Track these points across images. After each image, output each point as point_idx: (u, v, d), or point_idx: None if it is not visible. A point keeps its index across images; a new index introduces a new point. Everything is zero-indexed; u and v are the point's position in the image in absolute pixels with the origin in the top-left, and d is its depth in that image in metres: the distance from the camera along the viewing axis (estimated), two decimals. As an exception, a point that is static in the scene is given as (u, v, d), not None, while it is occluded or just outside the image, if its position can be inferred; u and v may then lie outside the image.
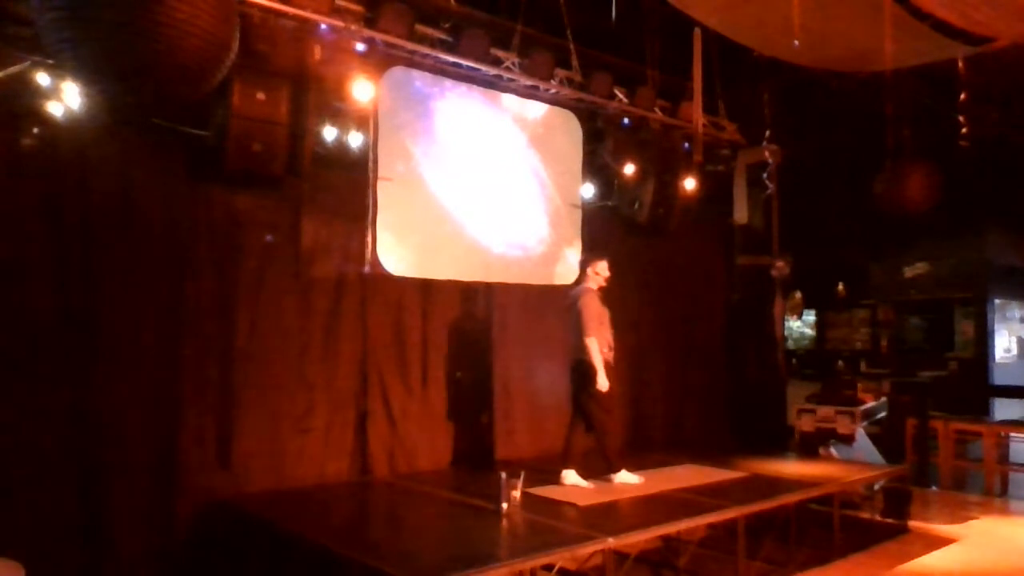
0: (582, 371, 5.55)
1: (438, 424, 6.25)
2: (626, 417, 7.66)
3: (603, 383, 5.45)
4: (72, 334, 4.49)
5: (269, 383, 5.30)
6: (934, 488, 7.83)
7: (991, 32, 5.45)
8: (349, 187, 5.69)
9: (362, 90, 5.14)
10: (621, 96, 6.95)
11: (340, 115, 5.43)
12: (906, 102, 6.83)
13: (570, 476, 5.53)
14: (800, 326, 13.35)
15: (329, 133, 5.50)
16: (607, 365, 5.53)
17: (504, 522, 4.54)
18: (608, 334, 5.66)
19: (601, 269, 5.73)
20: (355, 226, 5.73)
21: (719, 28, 5.75)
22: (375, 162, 5.74)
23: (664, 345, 8.08)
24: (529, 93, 6.56)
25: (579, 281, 5.81)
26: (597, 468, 5.68)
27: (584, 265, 5.77)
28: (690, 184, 7.37)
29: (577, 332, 5.55)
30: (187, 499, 4.84)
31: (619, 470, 5.65)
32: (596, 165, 7.28)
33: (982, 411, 9.45)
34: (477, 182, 6.36)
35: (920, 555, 5.67)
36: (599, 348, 5.48)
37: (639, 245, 7.76)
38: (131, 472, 4.64)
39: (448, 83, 6.10)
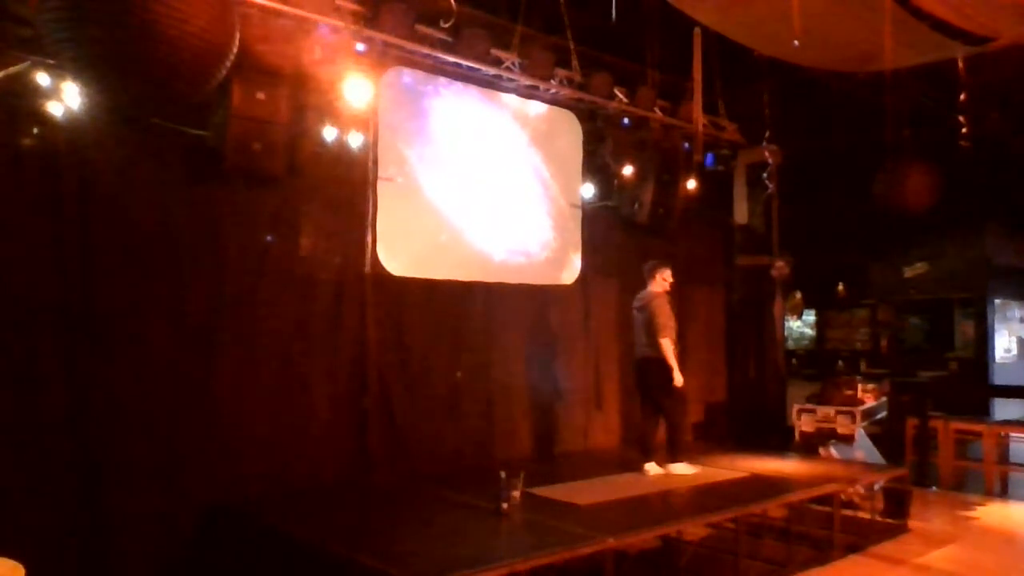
0: (654, 368, 5.98)
1: (438, 424, 6.24)
2: (625, 417, 7.67)
3: (679, 379, 5.91)
4: (72, 334, 4.48)
5: (268, 383, 5.30)
6: (934, 488, 7.83)
7: (991, 32, 5.45)
8: (349, 187, 5.69)
9: (362, 90, 5.14)
10: (621, 96, 6.95)
11: (340, 115, 5.42)
12: (906, 102, 6.83)
13: (653, 468, 5.98)
14: (800, 326, 13.35)
15: (329, 133, 5.50)
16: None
17: (504, 522, 4.54)
18: (675, 334, 6.07)
19: (667, 276, 6.21)
20: (355, 226, 5.74)
21: (719, 28, 5.75)
22: (375, 162, 5.75)
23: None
24: (529, 93, 6.57)
25: (646, 285, 6.25)
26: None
27: (653, 271, 6.22)
28: (690, 184, 7.38)
29: (651, 332, 5.98)
30: (187, 500, 4.84)
31: (679, 462, 6.02)
32: (596, 165, 7.29)
33: (982, 411, 9.45)
34: (477, 182, 6.37)
35: (920, 555, 5.67)
36: (671, 348, 5.92)
37: (639, 245, 7.76)
38: (131, 473, 4.64)
39: (448, 83, 6.11)
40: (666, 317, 5.97)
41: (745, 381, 8.84)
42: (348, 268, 5.74)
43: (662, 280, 6.18)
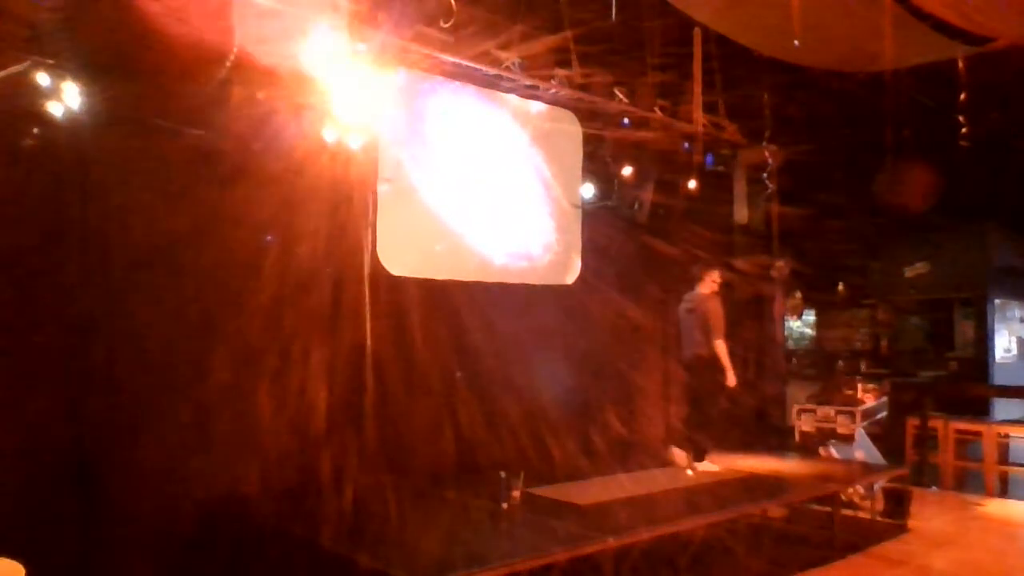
0: (703, 366, 6.22)
1: (438, 424, 6.24)
2: (625, 417, 7.67)
3: (732, 379, 6.17)
4: (70, 333, 4.48)
5: (267, 383, 5.29)
6: (934, 488, 7.83)
7: (991, 32, 5.45)
8: (349, 187, 5.69)
9: (362, 90, 5.14)
10: (621, 96, 6.94)
11: (340, 115, 5.41)
12: (906, 102, 6.83)
13: (679, 453, 6.30)
14: (800, 326, 13.35)
15: (329, 133, 5.50)
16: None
17: (504, 522, 4.54)
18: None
19: (716, 277, 6.46)
20: (355, 226, 5.73)
21: (719, 28, 5.75)
22: (375, 162, 5.75)
23: (663, 345, 8.08)
24: (529, 93, 6.56)
25: (693, 287, 6.49)
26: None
27: (702, 273, 6.44)
28: (690, 184, 7.38)
29: (705, 333, 6.20)
30: (186, 499, 4.84)
31: (704, 459, 6.23)
32: (596, 165, 7.29)
33: (982, 411, 9.45)
34: (477, 182, 6.37)
35: (920, 555, 5.67)
36: (725, 349, 6.17)
37: (639, 245, 7.77)
38: (130, 473, 4.64)
39: (447, 83, 6.11)
40: (718, 319, 6.18)
41: (745, 381, 8.83)
42: (348, 268, 5.73)
43: (711, 282, 6.37)
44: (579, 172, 7.16)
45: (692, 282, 6.45)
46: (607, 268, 7.55)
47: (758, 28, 5.62)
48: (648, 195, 7.30)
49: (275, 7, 4.85)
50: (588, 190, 7.29)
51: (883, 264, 11.78)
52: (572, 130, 7.05)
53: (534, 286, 6.84)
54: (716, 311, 6.19)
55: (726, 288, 8.82)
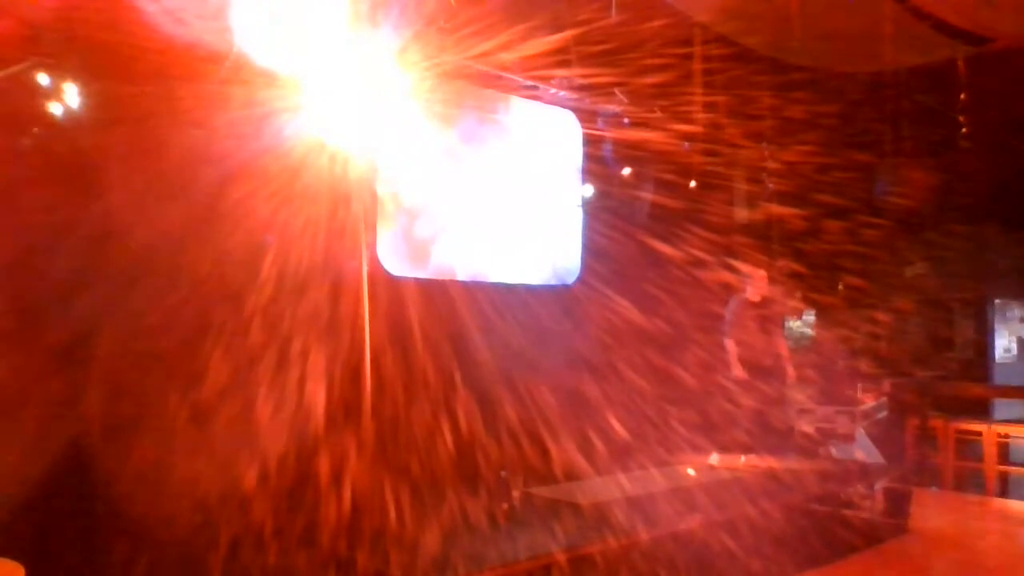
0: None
1: (437, 423, 6.24)
2: (624, 416, 7.66)
3: (735, 374, 6.77)
4: (68, 333, 4.48)
5: (265, 382, 5.29)
6: (934, 488, 7.82)
7: (991, 32, 5.45)
8: (349, 187, 5.68)
9: (362, 89, 5.14)
10: (621, 96, 6.94)
11: (339, 114, 5.41)
12: (906, 102, 6.83)
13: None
14: (800, 326, 13.34)
15: (328, 132, 5.49)
16: (757, 366, 6.85)
17: (504, 522, 4.54)
18: (754, 337, 6.86)
19: (756, 282, 6.90)
20: (355, 226, 5.73)
21: (719, 27, 5.75)
22: (375, 161, 5.75)
23: (663, 346, 8.07)
24: (529, 93, 6.56)
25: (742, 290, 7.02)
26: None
27: (744, 277, 6.91)
28: (690, 184, 7.38)
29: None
30: (186, 498, 4.83)
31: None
32: (596, 165, 7.28)
33: (982, 411, 9.45)
34: (477, 182, 6.37)
35: (920, 555, 5.67)
36: (734, 348, 6.81)
37: (639, 245, 7.76)
38: (128, 472, 4.63)
39: (448, 83, 6.11)
40: (731, 322, 6.82)
41: (745, 381, 8.82)
42: (347, 268, 5.72)
43: (748, 287, 6.83)
44: (579, 172, 7.17)
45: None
46: (607, 268, 7.54)
47: (758, 27, 5.62)
48: (649, 195, 7.30)
49: (274, 7, 4.86)
50: (588, 190, 7.29)
51: (883, 264, 11.77)
52: (572, 130, 7.05)
53: (534, 286, 6.85)
54: (727, 313, 6.80)
55: (728, 290, 8.86)
